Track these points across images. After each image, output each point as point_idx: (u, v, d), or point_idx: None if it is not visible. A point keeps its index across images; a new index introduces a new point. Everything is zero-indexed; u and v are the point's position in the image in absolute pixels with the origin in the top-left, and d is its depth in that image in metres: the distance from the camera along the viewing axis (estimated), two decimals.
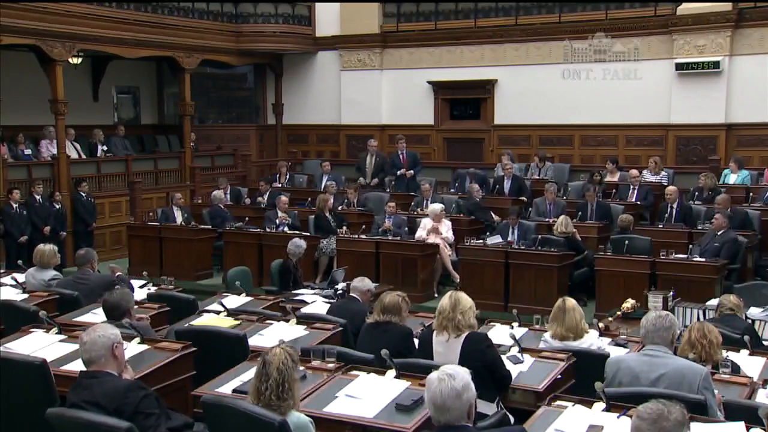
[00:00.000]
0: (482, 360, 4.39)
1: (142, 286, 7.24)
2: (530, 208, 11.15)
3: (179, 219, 11.56)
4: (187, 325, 5.66)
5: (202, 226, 11.33)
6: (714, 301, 6.44)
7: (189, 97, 14.08)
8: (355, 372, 4.44)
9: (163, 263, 10.94)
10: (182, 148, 14.41)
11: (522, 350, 4.92)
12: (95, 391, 3.69)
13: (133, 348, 4.72)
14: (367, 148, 13.47)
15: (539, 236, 9.40)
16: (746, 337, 5.20)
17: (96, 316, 5.81)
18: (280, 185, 13.42)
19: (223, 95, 17.86)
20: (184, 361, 4.72)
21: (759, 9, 12.15)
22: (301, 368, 4.15)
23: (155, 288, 7.25)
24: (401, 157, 13.06)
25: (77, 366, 4.55)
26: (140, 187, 12.89)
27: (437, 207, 10.28)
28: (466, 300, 4.60)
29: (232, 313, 5.98)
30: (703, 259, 8.32)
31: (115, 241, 12.54)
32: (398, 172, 12.90)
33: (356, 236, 10.11)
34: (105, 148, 13.65)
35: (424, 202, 11.54)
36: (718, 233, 8.67)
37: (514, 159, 12.93)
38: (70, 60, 12.31)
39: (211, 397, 3.88)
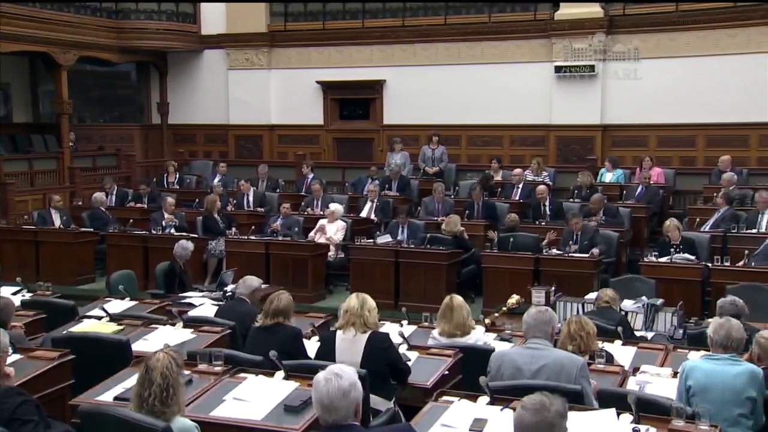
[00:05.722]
0: (385, 358, 4.57)
1: (15, 293, 6.86)
2: (419, 207, 11.32)
3: (57, 222, 11.04)
4: (65, 332, 5.43)
5: (83, 229, 10.86)
6: (593, 295, 6.72)
7: (66, 95, 13.47)
8: (243, 374, 4.40)
9: (39, 268, 10.39)
10: (60, 148, 13.78)
11: (410, 347, 5.00)
12: None
13: None
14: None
15: (428, 235, 9.55)
16: (619, 328, 5.48)
17: None
18: (167, 186, 13.12)
19: (105, 93, 17.23)
20: (61, 369, 4.56)
21: (627, 16, 12.81)
22: (187, 372, 4.07)
23: (30, 294, 6.90)
24: None
25: None
26: (13, 188, 12.24)
27: (337, 207, 10.34)
28: (371, 300, 4.81)
29: (114, 318, 5.80)
30: (585, 255, 8.65)
31: None
32: None
33: (245, 237, 9.96)
34: None
35: (315, 201, 11.51)
36: (579, 233, 9.04)
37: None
38: None
39: (89, 405, 3.75)
